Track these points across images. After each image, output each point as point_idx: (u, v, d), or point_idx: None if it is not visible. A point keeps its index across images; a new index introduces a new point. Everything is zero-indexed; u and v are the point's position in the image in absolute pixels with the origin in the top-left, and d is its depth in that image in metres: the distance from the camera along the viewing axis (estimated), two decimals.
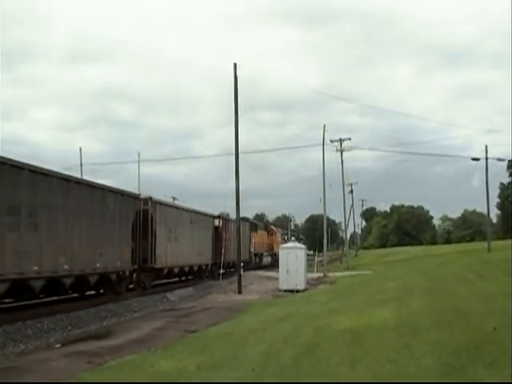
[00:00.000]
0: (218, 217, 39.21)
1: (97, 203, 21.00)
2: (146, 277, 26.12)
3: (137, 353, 12.17)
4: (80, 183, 20.41)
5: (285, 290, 29.39)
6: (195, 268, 33.20)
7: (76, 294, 21.65)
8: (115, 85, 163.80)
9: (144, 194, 27.27)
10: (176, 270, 29.90)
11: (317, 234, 70.77)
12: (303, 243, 46.68)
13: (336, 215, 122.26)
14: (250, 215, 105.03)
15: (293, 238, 63.89)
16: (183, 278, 33.13)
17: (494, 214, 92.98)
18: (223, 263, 36.40)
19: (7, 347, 13.68)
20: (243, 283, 30.81)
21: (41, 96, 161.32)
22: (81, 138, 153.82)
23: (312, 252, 71.75)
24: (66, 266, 18.34)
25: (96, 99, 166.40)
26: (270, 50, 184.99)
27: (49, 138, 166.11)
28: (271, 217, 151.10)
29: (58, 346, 14.25)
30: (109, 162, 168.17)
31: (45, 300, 19.43)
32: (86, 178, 26.06)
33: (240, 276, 30.44)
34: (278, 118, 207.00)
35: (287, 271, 30.46)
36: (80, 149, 58.10)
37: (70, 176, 20.36)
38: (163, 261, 27.02)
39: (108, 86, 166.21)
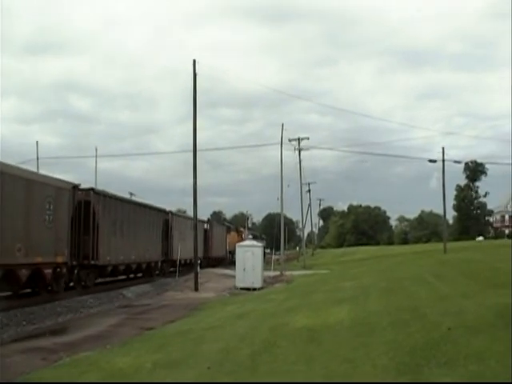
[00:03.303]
0: (208, 221, 54.04)
1: (146, 217, 32.05)
2: (167, 265, 36.99)
3: (92, 349, 12.02)
4: (140, 205, 31.99)
5: (241, 288, 29.42)
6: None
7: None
8: (75, 78, 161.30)
9: (100, 188, 30.47)
10: (183, 262, 39.28)
11: (274, 232, 71.01)
12: (265, 242, 47.08)
13: (294, 214, 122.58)
14: (208, 213, 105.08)
15: (250, 237, 64.14)
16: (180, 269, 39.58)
17: (451, 215, 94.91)
18: (209, 257, 50.19)
19: None
20: (200, 281, 30.73)
21: None
22: (38, 131, 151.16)
23: (269, 250, 71.97)
24: (133, 257, 29.17)
25: (55, 92, 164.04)
26: (231, 48, 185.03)
27: (4, 130, 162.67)
28: (229, 215, 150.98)
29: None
30: (66, 156, 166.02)
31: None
32: (42, 171, 27.87)
33: (197, 274, 30.34)
34: (237, 116, 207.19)
35: (244, 269, 30.43)
36: (37, 142, 56.93)
37: (135, 201, 33.51)
38: (176, 254, 37.06)
39: (67, 79, 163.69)
